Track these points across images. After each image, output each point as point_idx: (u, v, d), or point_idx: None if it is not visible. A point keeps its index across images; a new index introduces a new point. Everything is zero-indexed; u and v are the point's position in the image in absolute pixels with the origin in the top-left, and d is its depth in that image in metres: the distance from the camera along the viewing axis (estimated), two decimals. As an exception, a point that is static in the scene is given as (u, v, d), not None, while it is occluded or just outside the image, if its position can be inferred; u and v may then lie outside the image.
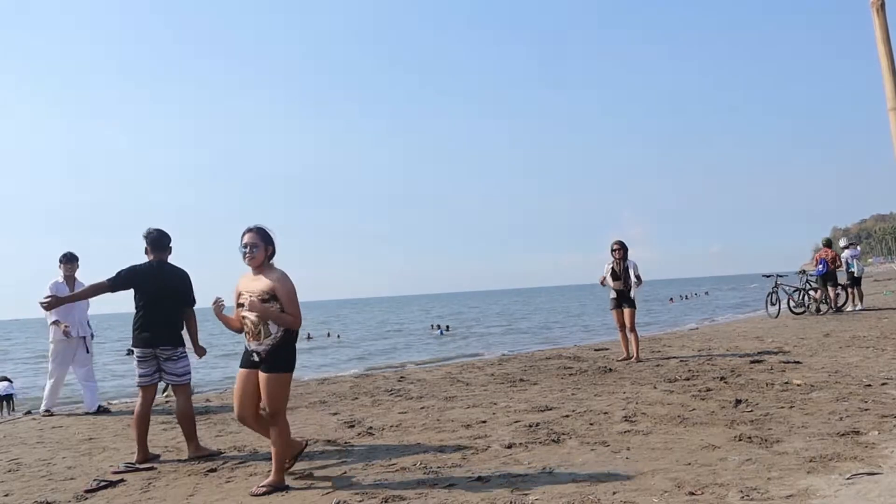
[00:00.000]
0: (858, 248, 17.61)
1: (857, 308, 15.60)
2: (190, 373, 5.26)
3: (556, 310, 43.03)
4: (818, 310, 15.19)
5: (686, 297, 48.28)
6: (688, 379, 7.22)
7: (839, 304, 15.46)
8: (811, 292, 15.51)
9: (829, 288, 15.38)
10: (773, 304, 15.96)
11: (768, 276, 16.65)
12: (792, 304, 15.70)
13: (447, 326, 30.60)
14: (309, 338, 30.54)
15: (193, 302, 5.32)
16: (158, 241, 5.22)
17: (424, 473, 4.13)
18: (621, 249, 9.37)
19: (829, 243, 15.62)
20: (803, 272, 16.09)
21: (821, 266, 15.16)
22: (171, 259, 5.34)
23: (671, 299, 44.83)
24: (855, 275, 15.75)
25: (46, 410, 7.71)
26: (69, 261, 7.60)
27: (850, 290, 15.89)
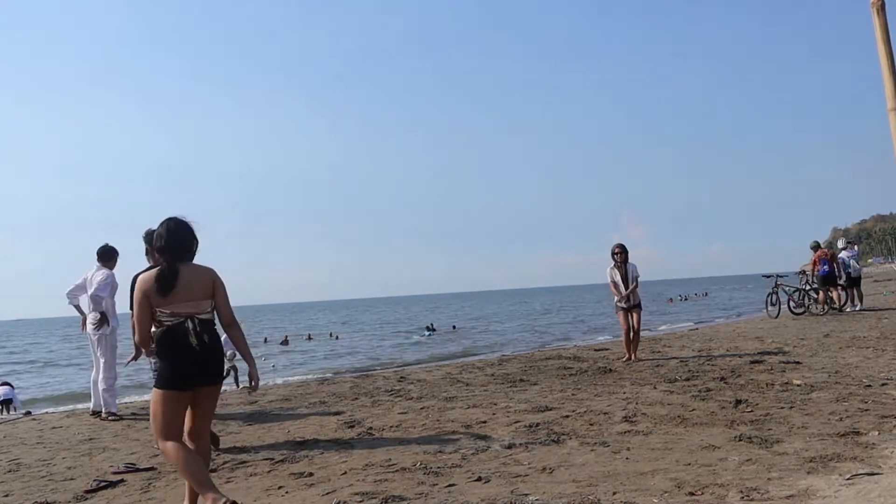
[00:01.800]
0: (856, 248, 17.70)
1: (856, 308, 15.65)
2: None
3: (557, 310, 43.04)
4: (825, 310, 15.24)
5: (684, 298, 48.31)
6: (688, 379, 7.22)
7: (840, 305, 15.50)
8: (811, 293, 15.59)
9: (832, 289, 15.46)
10: (773, 305, 16.02)
11: (768, 277, 16.69)
12: (792, 304, 15.75)
13: (453, 326, 30.61)
14: (309, 338, 30.52)
15: None
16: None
17: (424, 473, 4.13)
18: (622, 253, 9.46)
19: (817, 245, 15.73)
20: (803, 272, 16.14)
21: (826, 266, 15.20)
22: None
23: (670, 300, 44.89)
24: (852, 275, 15.85)
25: (110, 413, 7.12)
26: (113, 256, 7.16)
27: (849, 290, 15.96)
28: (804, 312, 15.33)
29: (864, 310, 15.50)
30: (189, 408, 3.55)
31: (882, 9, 2.92)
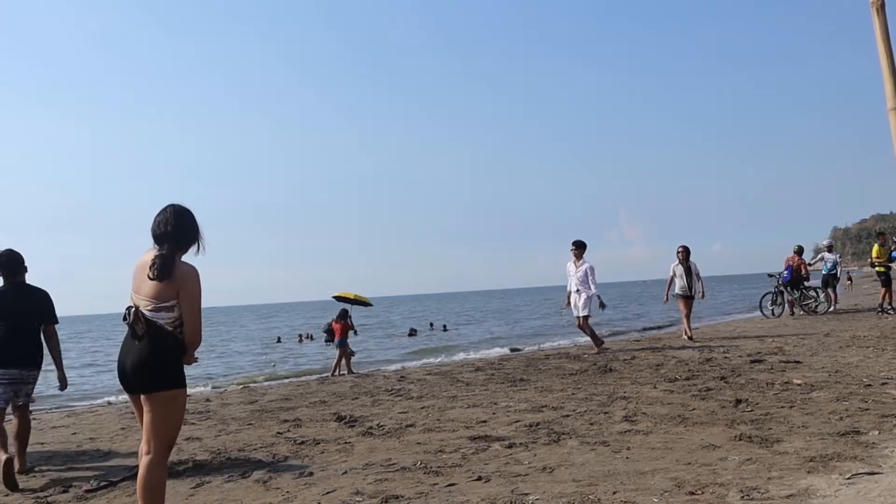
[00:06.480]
0: (835, 251, 18.30)
1: (831, 309, 16.06)
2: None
3: (554, 309, 43.03)
4: (801, 310, 15.82)
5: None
6: (688, 379, 7.22)
7: (814, 307, 15.90)
8: (810, 292, 15.94)
9: (824, 291, 16.15)
10: (775, 304, 16.15)
11: (772, 276, 16.80)
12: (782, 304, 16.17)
13: (444, 326, 30.63)
14: (309, 337, 30.59)
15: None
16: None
17: (424, 473, 4.13)
18: (684, 252, 11.90)
19: (801, 251, 16.22)
20: (773, 275, 16.64)
21: (786, 273, 15.87)
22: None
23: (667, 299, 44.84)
24: (831, 277, 16.48)
25: None
26: None
27: (828, 291, 16.44)
28: (781, 313, 15.89)
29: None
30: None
31: (882, 8, 2.92)
